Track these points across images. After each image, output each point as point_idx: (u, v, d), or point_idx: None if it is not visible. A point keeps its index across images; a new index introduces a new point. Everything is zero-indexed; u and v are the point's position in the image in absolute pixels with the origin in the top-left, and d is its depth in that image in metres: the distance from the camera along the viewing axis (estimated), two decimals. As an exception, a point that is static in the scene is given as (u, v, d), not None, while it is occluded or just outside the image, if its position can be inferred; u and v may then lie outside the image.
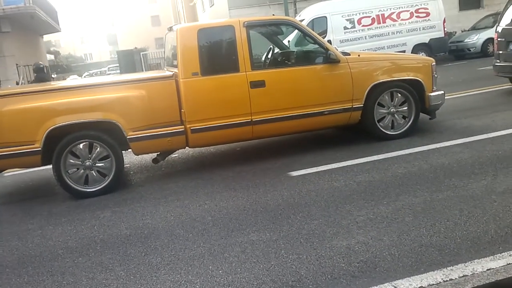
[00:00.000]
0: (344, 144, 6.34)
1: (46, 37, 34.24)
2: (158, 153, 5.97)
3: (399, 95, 6.23)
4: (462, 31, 21.10)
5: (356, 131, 6.63)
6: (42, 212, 5.08)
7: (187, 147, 5.93)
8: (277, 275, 3.11)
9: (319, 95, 5.92)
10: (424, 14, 16.30)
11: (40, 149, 5.22)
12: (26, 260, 3.87)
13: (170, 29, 6.33)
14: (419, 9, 16.24)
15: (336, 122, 6.20)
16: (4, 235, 4.52)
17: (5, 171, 6.34)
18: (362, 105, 6.05)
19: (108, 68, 42.92)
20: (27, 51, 24.06)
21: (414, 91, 6.21)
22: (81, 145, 5.35)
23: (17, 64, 20.00)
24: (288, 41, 8.67)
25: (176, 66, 5.74)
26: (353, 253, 3.29)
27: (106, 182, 5.45)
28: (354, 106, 6.02)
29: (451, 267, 2.97)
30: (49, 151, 5.27)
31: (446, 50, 17.64)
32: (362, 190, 4.52)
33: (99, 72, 42.09)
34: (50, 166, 5.44)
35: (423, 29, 16.33)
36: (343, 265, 3.15)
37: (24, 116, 5.22)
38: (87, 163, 5.38)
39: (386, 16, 16.03)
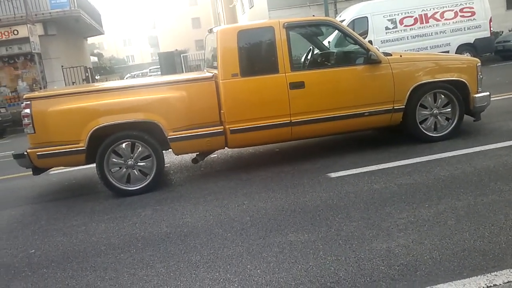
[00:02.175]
0: (384, 146, 6.24)
1: (90, 40, 35.19)
2: (198, 153, 6.04)
3: (443, 96, 6.08)
4: (509, 31, 20.41)
5: (397, 133, 6.51)
6: (85, 209, 5.23)
7: (226, 148, 5.97)
8: (315, 276, 3.09)
9: (360, 96, 5.85)
10: (469, 14, 15.86)
11: (84, 148, 5.37)
12: (71, 255, 3.99)
13: (211, 31, 6.40)
14: (463, 8, 15.81)
15: (377, 124, 6.11)
16: (50, 231, 4.68)
17: (51, 170, 6.56)
18: (403, 107, 5.94)
19: (150, 69, 43.74)
20: (72, 53, 24.77)
21: (458, 92, 6.05)
22: (123, 145, 5.48)
23: (62, 66, 20.62)
24: (328, 42, 8.62)
25: (216, 68, 5.80)
26: (393, 256, 3.24)
27: (147, 181, 5.56)
28: (395, 108, 5.92)
29: (495, 273, 2.88)
30: (92, 150, 5.43)
31: (492, 51, 17.11)
32: (403, 193, 4.44)
33: (140, 74, 42.92)
34: (94, 165, 5.59)
35: (468, 28, 15.89)
36: (382, 267, 3.10)
37: (69, 117, 5.39)
38: (129, 162, 5.50)
39: (429, 16, 15.69)
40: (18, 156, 5.64)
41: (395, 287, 2.86)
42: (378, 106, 5.88)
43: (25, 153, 5.47)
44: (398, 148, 6.05)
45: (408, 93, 5.91)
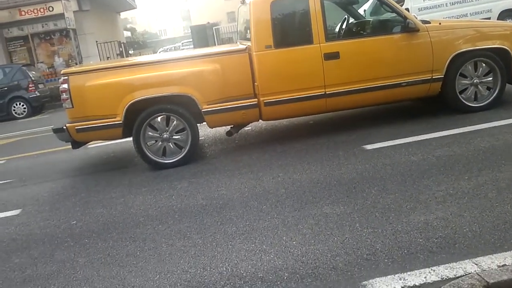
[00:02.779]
0: (422, 117, 6.10)
1: (123, 15, 35.44)
2: (232, 126, 6.05)
3: (484, 65, 5.85)
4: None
5: (436, 104, 6.34)
6: (123, 182, 5.35)
7: (260, 120, 5.96)
8: (351, 248, 3.08)
9: (397, 66, 5.71)
10: (512, -23, 15.11)
11: (121, 122, 5.46)
12: (111, 226, 4.10)
13: (243, 2, 6.32)
14: (506, -29, 15.08)
15: (414, 94, 5.96)
16: (90, 203, 4.81)
17: (89, 143, 6.70)
18: (442, 76, 5.76)
19: (182, 43, 43.78)
20: (106, 28, 25.02)
21: (500, 61, 5.81)
22: (159, 118, 5.53)
23: (96, 41, 20.87)
24: (364, 11, 8.39)
25: (249, 40, 5.74)
26: (431, 229, 3.19)
27: (183, 154, 5.62)
28: (434, 77, 5.75)
29: (538, 246, 2.80)
30: (129, 124, 5.50)
31: (536, 16, 16.34)
32: (442, 165, 4.34)
33: (173, 48, 43.02)
34: (130, 139, 5.68)
35: (510, -7, 15.17)
36: (420, 240, 3.06)
37: (106, 91, 5.47)
38: (165, 136, 5.57)
39: (469, -20, 15.05)
40: (57, 131, 5.77)
41: (433, 259, 2.82)
42: (416, 76, 5.72)
43: (64, 127, 5.60)
44: (436, 119, 5.90)
45: (448, 62, 5.72)
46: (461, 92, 5.89)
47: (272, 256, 3.14)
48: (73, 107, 5.51)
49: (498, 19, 14.76)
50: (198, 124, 5.76)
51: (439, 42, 5.71)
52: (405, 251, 2.96)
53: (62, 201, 5.01)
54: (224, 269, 3.06)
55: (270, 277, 2.88)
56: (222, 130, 6.85)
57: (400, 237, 3.14)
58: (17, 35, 20.32)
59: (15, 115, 15.19)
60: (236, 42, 7.35)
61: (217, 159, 5.76)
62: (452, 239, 3.02)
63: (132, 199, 4.73)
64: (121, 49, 23.88)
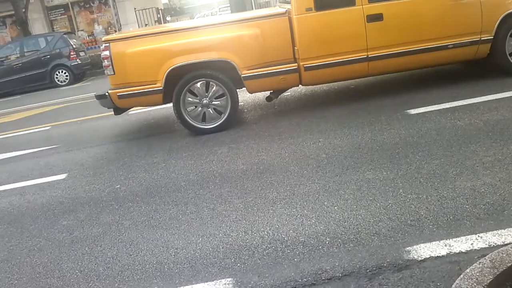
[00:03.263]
0: (469, 81, 5.87)
1: (161, -19, 35.32)
2: (271, 91, 5.99)
3: (537, 24, 5.55)
4: None
5: (484, 66, 6.08)
6: (164, 147, 5.42)
7: (300, 85, 5.87)
8: (394, 214, 3.03)
9: (442, 28, 5.47)
10: None
11: (161, 88, 5.49)
12: (153, 190, 4.18)
13: (283, -37, 6.16)
14: None
15: (461, 57, 5.72)
16: (133, 167, 4.91)
17: (130, 110, 6.80)
18: (491, 37, 5.50)
19: (219, 8, 43.42)
20: (144, -5, 24.99)
21: (555, 20, 5.49)
22: (198, 84, 5.53)
23: (135, 8, 20.92)
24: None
25: (289, 3, 5.61)
26: (478, 195, 3.09)
27: (222, 120, 5.62)
28: (482, 39, 5.49)
29: None
30: (169, 90, 5.53)
31: None
32: (490, 130, 4.18)
33: (210, 13, 42.74)
34: (170, 105, 5.72)
35: None
36: (467, 206, 2.98)
37: (146, 57, 5.50)
38: (204, 101, 5.57)
39: None
40: (100, 97, 5.87)
41: (481, 226, 2.74)
42: (463, 37, 5.47)
43: (107, 94, 5.68)
44: (484, 82, 5.67)
45: (498, 22, 5.45)
46: (511, 54, 5.61)
47: (313, 221, 3.13)
48: (114, 73, 5.57)
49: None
50: (238, 90, 5.73)
51: (489, 2, 5.43)
52: (451, 217, 2.88)
53: (106, 166, 5.12)
54: (266, 233, 3.08)
55: (312, 242, 2.87)
56: (262, 95, 6.80)
57: (446, 203, 3.06)
58: (57, 4, 20.64)
59: (58, 82, 15.53)
60: (275, 6, 7.21)
61: (256, 125, 5.74)
62: (501, 205, 2.92)
63: (173, 164, 4.78)
64: (159, 15, 23.88)
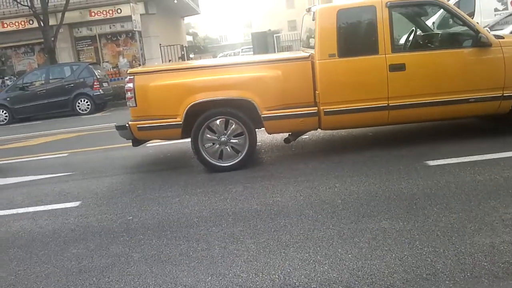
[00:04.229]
0: (489, 135, 5.83)
1: (186, 19, 36.29)
2: (290, 133, 6.00)
3: (559, 84, 5.51)
4: None
5: (504, 122, 6.03)
6: (179, 182, 5.41)
7: (319, 129, 5.88)
8: (410, 266, 2.95)
9: (465, 81, 5.47)
10: None
11: (181, 123, 5.53)
12: (165, 224, 4.15)
13: (309, 10, 6.28)
14: None
15: (483, 111, 5.69)
16: (146, 200, 4.89)
17: (148, 142, 6.85)
18: (514, 94, 5.48)
19: (242, 49, 44.28)
20: (170, 32, 25.66)
21: None
22: (218, 121, 5.57)
23: (160, 44, 21.43)
24: (432, 23, 8.16)
25: (312, 47, 5.69)
26: (497, 252, 3.00)
27: (239, 158, 5.62)
28: (505, 95, 5.47)
29: None
30: (188, 125, 5.57)
31: None
32: (510, 187, 4.10)
33: (233, 53, 43.56)
34: (188, 140, 5.75)
35: None
36: (485, 264, 2.89)
37: (169, 92, 5.57)
38: (223, 139, 5.59)
39: (544, -4, 14.32)
40: (120, 128, 5.93)
41: (499, 285, 2.66)
42: (486, 92, 5.46)
43: (127, 125, 5.74)
44: (505, 138, 5.60)
45: (521, 79, 5.43)
46: (533, 112, 5.57)
47: (326, 267, 3.06)
48: (136, 105, 5.64)
49: None
50: (256, 130, 5.75)
51: (512, 58, 5.43)
52: (468, 274, 2.80)
53: (119, 196, 5.12)
54: (277, 276, 3.01)
55: (324, 289, 2.80)
56: (280, 137, 6.81)
57: (463, 259, 2.97)
58: (85, 35, 21.27)
59: (79, 111, 15.81)
60: (298, 50, 7.31)
61: (273, 166, 5.72)
62: (520, 265, 2.83)
63: (187, 199, 4.76)
64: (183, 52, 24.42)
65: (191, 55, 32.88)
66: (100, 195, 5.26)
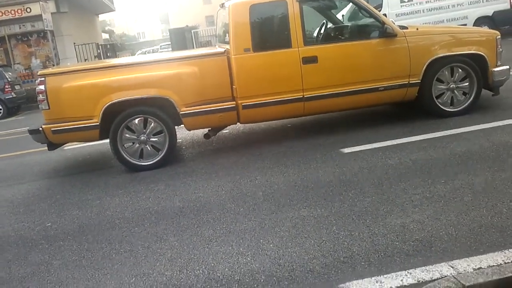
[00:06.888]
0: (399, 121, 6.16)
1: (101, 17, 35.10)
2: (210, 128, 6.02)
3: (460, 70, 5.93)
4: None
5: (413, 108, 6.41)
6: (99, 184, 5.27)
7: (238, 123, 5.94)
8: (328, 251, 3.08)
9: (374, 71, 5.76)
10: (487, -15, 15.40)
11: (98, 124, 5.38)
12: (86, 228, 4.04)
13: (222, 5, 6.31)
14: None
15: (392, 99, 6.01)
16: (66, 205, 4.73)
17: (65, 145, 6.59)
18: (419, 81, 5.82)
19: (160, 46, 43.52)
20: (84, 30, 24.73)
21: (476, 66, 5.90)
22: (136, 120, 5.48)
23: (74, 43, 20.60)
24: (342, 16, 8.47)
25: (227, 43, 5.73)
26: (408, 232, 3.21)
27: (160, 156, 5.57)
28: (411, 82, 5.81)
29: (512, 249, 2.84)
30: (106, 126, 5.43)
31: (511, 24, 16.65)
32: (418, 169, 4.38)
33: (151, 50, 42.71)
34: (107, 141, 5.60)
35: (486, 1, 15.44)
36: (397, 243, 3.08)
37: (83, 93, 5.40)
38: (142, 138, 5.51)
39: (446, -13, 15.29)
40: (33, 132, 5.67)
41: (410, 262, 2.84)
42: (393, 80, 5.78)
43: (40, 128, 5.50)
44: (413, 123, 5.96)
45: (424, 67, 5.78)
46: (437, 97, 5.96)
47: (249, 258, 3.12)
48: (49, 108, 5.42)
49: (474, 25, 15.05)
50: (176, 127, 5.71)
51: (416, 48, 5.78)
52: (382, 254, 2.97)
53: (37, 203, 4.91)
54: (201, 271, 3.04)
55: (247, 280, 2.86)
56: (200, 132, 6.81)
57: (377, 240, 3.15)
58: (-7, 36, 19.92)
59: (-10, 116, 14.90)
60: (215, 46, 7.33)
61: (194, 162, 5.72)
62: (429, 242, 3.04)
63: (108, 201, 4.66)
64: (99, 51, 23.62)
65: (108, 54, 31.89)
66: (15, 203, 5.01)
